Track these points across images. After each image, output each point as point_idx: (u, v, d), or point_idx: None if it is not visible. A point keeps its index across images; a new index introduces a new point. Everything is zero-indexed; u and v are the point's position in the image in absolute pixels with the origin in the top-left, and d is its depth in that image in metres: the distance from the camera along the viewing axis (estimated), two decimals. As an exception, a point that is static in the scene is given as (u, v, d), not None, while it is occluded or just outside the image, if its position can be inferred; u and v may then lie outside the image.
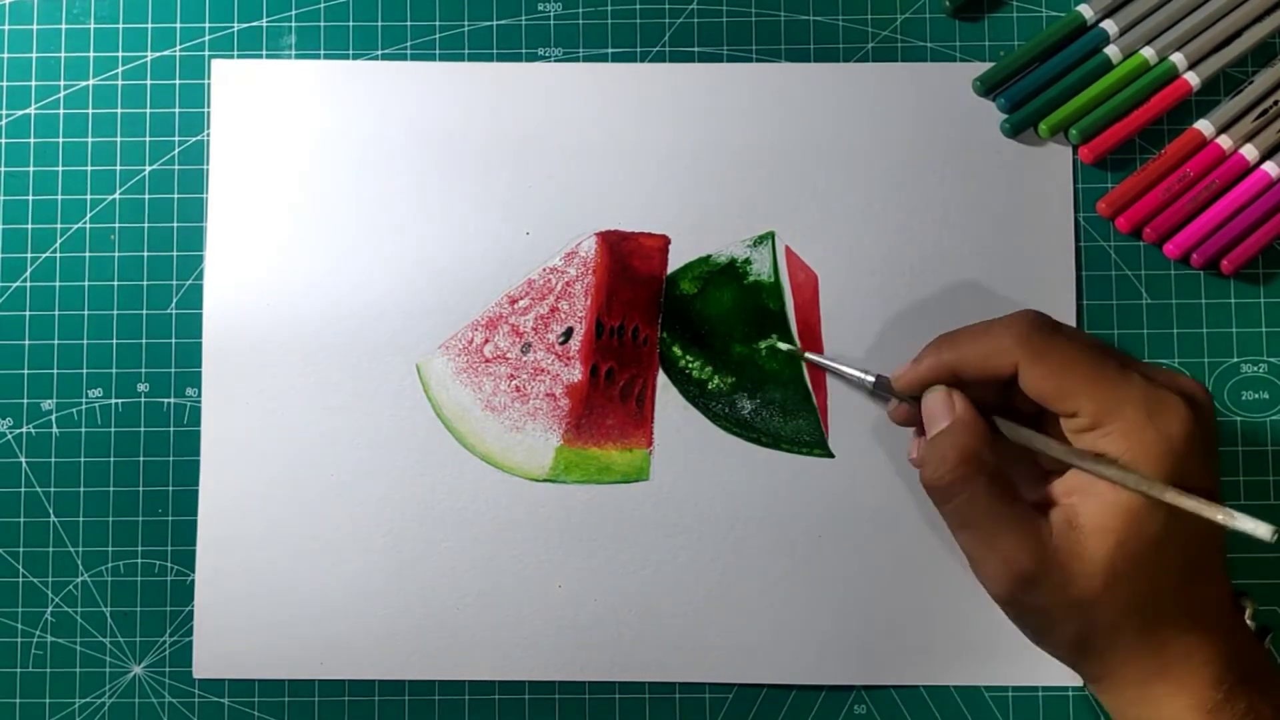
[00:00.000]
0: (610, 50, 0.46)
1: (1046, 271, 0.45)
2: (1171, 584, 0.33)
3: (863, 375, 0.41)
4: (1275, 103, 0.45)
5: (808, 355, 0.44)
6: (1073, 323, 0.45)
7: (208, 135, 0.45)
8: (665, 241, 0.45)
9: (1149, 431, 0.32)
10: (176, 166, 0.46)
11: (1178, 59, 0.45)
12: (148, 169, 0.46)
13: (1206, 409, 0.34)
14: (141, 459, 0.45)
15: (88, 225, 0.45)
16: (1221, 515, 0.32)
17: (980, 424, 0.36)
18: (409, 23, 0.46)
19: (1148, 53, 0.45)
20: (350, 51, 0.46)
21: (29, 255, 0.45)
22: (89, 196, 0.45)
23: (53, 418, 0.45)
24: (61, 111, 0.46)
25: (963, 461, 0.34)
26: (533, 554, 0.44)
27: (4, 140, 0.46)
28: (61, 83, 0.46)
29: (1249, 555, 0.44)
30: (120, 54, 0.46)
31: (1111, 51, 0.45)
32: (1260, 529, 0.31)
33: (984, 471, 0.34)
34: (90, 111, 0.46)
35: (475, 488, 0.44)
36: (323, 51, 0.46)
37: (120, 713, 0.44)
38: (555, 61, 0.46)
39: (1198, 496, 0.32)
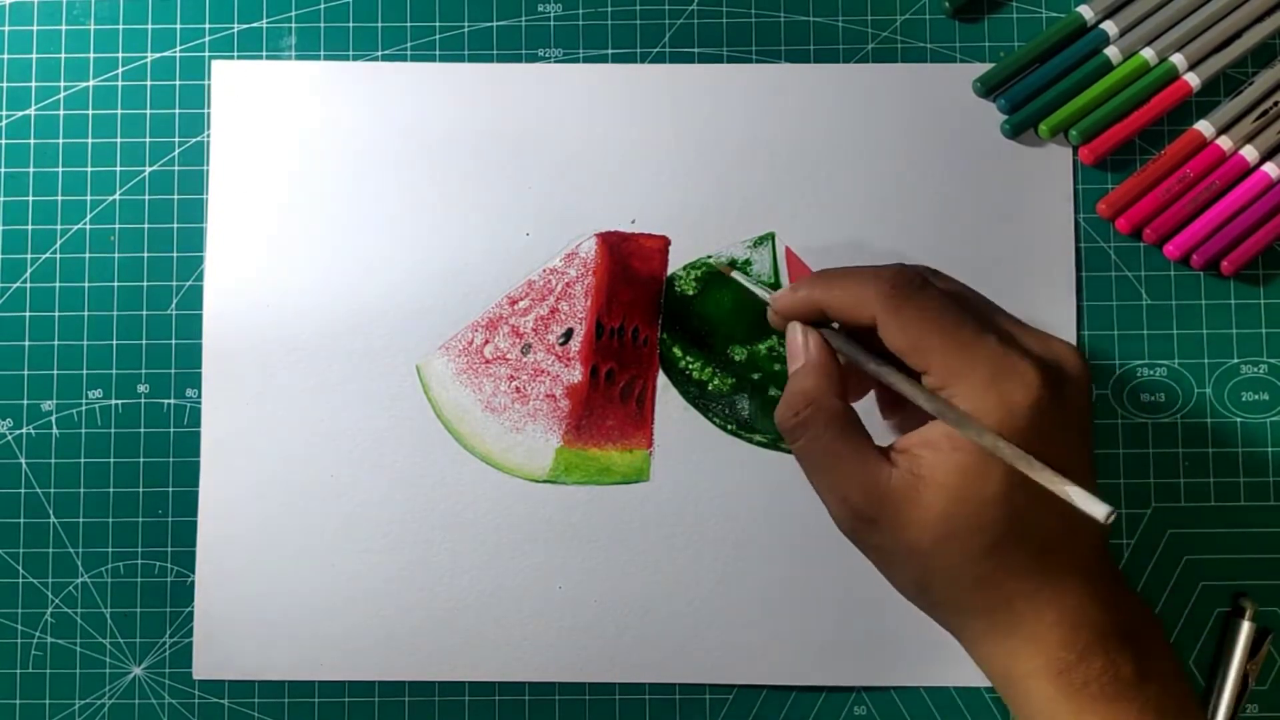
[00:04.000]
0: (610, 51, 0.46)
1: (1046, 272, 0.45)
2: (1013, 543, 0.33)
3: (764, 294, 0.40)
4: (1275, 104, 0.45)
5: (734, 273, 0.43)
6: (1072, 323, 0.45)
7: (208, 136, 0.45)
8: (665, 242, 0.45)
9: (990, 396, 0.32)
10: (176, 167, 0.46)
11: (1178, 60, 0.45)
12: (148, 170, 0.46)
13: (1075, 379, 0.33)
14: (141, 460, 0.45)
15: (88, 226, 0.45)
16: (1051, 479, 0.30)
17: (830, 366, 0.36)
18: (409, 23, 0.46)
19: (1148, 54, 0.45)
20: (350, 52, 0.46)
21: (29, 256, 0.45)
22: (89, 197, 0.45)
23: (53, 419, 0.45)
24: (61, 112, 0.46)
25: (807, 404, 0.35)
26: (533, 555, 0.44)
27: (4, 141, 0.46)
28: (61, 84, 0.46)
29: (1249, 556, 0.44)
30: (120, 55, 0.46)
31: (1112, 52, 0.45)
32: (1095, 508, 0.30)
33: (826, 413, 0.35)
34: (90, 112, 0.46)
35: (475, 489, 0.44)
36: (323, 52, 0.46)
37: (120, 714, 0.44)
38: (555, 62, 0.46)
39: (1017, 451, 0.31)
